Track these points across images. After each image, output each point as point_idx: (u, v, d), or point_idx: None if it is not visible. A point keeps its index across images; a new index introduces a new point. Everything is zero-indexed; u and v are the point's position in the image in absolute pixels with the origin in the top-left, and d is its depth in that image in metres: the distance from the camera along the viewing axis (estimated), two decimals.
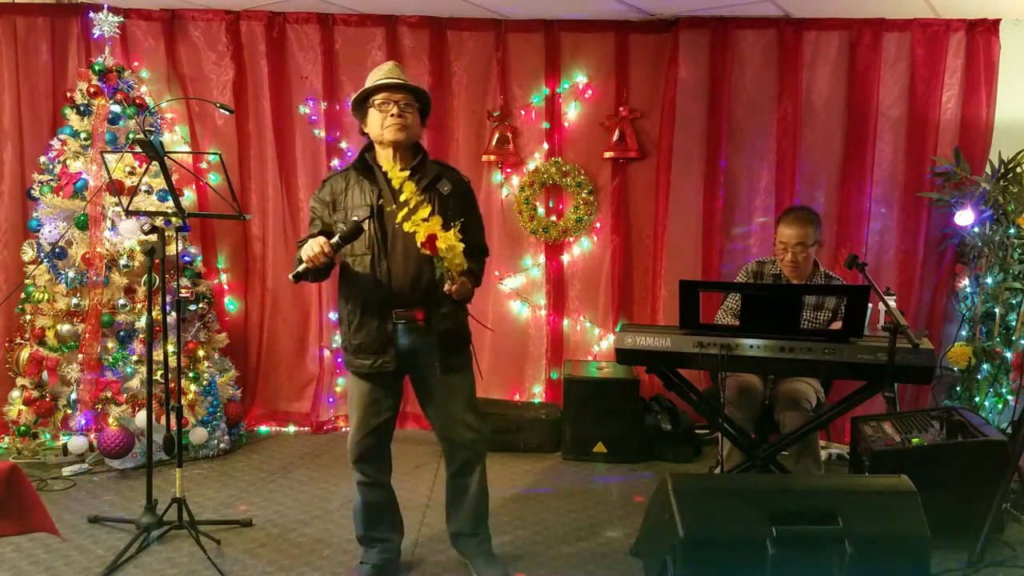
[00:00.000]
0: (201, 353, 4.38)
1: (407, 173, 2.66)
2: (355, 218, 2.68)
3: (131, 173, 4.25)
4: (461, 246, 2.55)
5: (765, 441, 3.41)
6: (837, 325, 3.52)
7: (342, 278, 2.82)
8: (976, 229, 4.35)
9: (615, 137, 4.80)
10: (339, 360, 4.95)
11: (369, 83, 2.77)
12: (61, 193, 4.22)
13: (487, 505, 3.03)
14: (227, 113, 4.30)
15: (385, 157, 2.78)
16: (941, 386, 4.51)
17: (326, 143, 4.84)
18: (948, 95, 4.56)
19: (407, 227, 2.55)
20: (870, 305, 3.35)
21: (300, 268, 2.62)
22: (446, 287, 2.64)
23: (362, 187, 2.77)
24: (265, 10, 4.67)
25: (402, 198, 2.59)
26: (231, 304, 4.93)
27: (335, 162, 4.85)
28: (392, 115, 2.70)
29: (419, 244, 2.54)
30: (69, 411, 4.16)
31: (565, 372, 4.64)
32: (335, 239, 2.62)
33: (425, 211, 2.54)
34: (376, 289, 2.73)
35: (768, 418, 3.57)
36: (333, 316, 4.92)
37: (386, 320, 2.75)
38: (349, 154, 4.86)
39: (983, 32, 4.49)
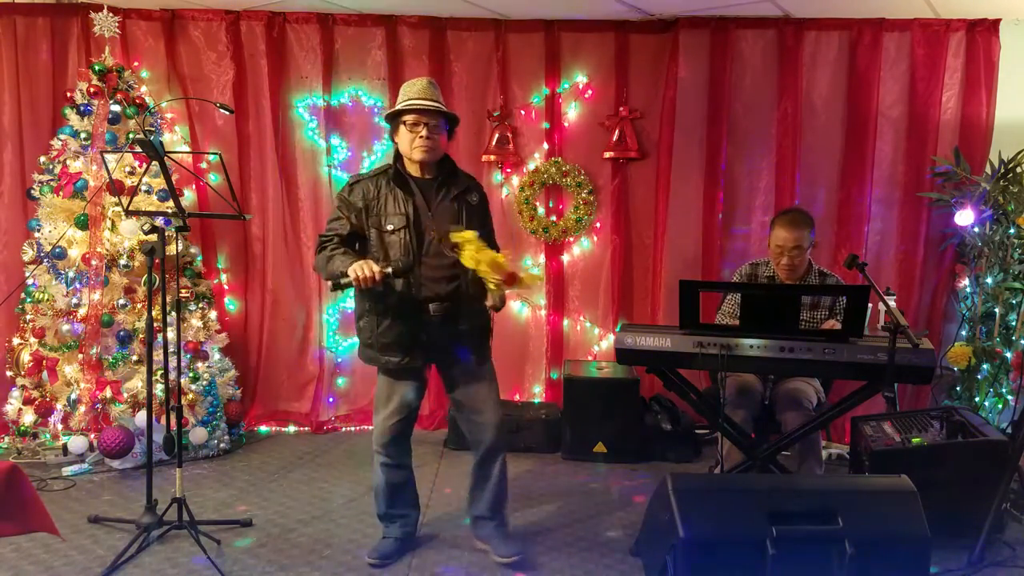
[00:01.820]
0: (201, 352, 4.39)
1: (475, 234, 2.77)
2: (390, 227, 2.86)
3: (131, 173, 4.25)
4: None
5: (765, 441, 3.40)
6: (831, 323, 3.52)
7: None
8: (976, 229, 4.35)
9: (615, 137, 4.80)
10: (338, 364, 4.96)
11: (402, 99, 2.92)
12: (61, 193, 4.22)
13: (506, 493, 3.22)
14: (227, 113, 4.30)
15: (412, 168, 2.95)
16: (941, 386, 4.51)
17: (326, 143, 4.84)
18: (948, 95, 4.56)
19: (468, 263, 2.73)
20: (870, 305, 3.35)
21: (344, 282, 2.74)
22: (489, 303, 2.97)
23: (395, 195, 2.90)
24: (265, 10, 4.67)
25: (460, 237, 2.75)
26: (231, 304, 4.93)
27: (335, 161, 4.86)
28: (421, 136, 2.86)
29: (487, 277, 2.72)
30: (69, 411, 4.16)
31: (565, 372, 4.63)
32: (388, 270, 2.76)
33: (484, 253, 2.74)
34: (410, 294, 2.88)
35: (768, 418, 3.57)
36: (325, 318, 4.94)
37: (417, 321, 2.90)
38: (349, 154, 4.87)
39: (983, 32, 4.49)
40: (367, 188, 2.93)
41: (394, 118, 2.93)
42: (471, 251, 2.72)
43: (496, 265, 2.70)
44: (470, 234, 2.75)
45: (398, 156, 2.97)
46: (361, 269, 2.71)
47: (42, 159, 4.37)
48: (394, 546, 3.15)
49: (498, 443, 3.11)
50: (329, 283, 2.81)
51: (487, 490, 3.16)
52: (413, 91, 2.91)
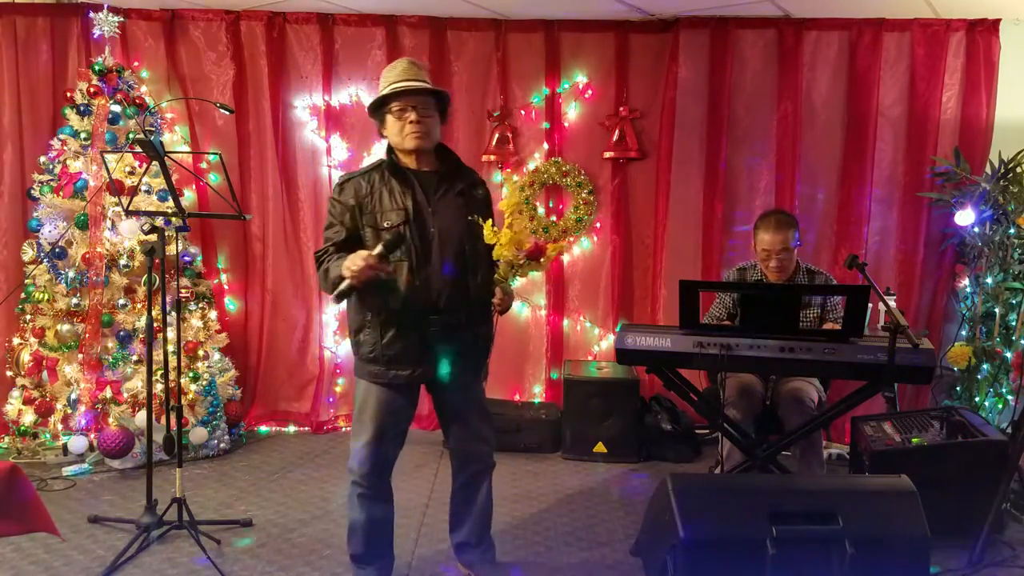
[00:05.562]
0: (201, 352, 4.38)
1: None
2: (387, 224, 2.58)
3: (131, 173, 4.25)
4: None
5: (765, 441, 3.40)
6: (829, 325, 3.52)
7: (368, 286, 2.56)
8: (976, 229, 4.35)
9: (615, 137, 4.80)
10: (338, 364, 4.95)
11: (384, 85, 2.63)
12: (61, 193, 4.22)
13: (491, 515, 2.96)
14: (227, 113, 4.31)
15: (408, 161, 2.67)
16: (941, 386, 4.51)
17: (326, 143, 4.84)
18: (948, 95, 4.56)
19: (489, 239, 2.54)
20: (870, 305, 3.35)
21: (344, 286, 2.46)
22: (496, 299, 2.62)
23: (391, 190, 2.62)
24: (265, 10, 4.67)
25: (503, 205, 2.60)
26: (231, 304, 4.93)
27: (335, 161, 4.86)
28: (411, 122, 2.58)
29: (510, 259, 2.55)
30: (69, 411, 4.16)
31: (565, 372, 4.63)
32: (378, 250, 2.47)
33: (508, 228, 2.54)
34: (415, 297, 2.57)
35: (769, 418, 3.57)
36: (325, 318, 4.94)
37: (426, 329, 2.62)
38: (349, 154, 4.87)
39: (983, 32, 4.48)
40: (359, 185, 2.63)
41: (378, 109, 2.64)
42: (488, 231, 2.50)
43: (518, 241, 2.48)
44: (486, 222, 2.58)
45: (391, 151, 2.68)
46: (353, 264, 2.43)
47: (42, 159, 4.37)
48: None
49: (488, 464, 2.88)
50: (334, 298, 2.52)
51: (472, 515, 2.89)
52: (394, 74, 2.60)
